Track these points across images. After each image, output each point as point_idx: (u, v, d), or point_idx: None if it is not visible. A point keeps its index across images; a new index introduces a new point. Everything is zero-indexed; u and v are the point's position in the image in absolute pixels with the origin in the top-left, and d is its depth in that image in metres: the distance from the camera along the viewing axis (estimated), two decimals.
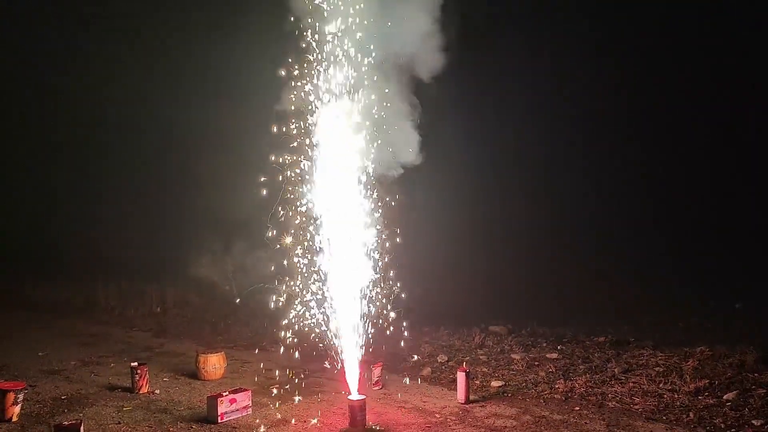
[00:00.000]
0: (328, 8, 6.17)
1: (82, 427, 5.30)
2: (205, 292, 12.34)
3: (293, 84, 6.27)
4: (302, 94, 6.24)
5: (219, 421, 6.07)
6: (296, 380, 7.52)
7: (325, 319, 6.49)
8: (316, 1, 6.18)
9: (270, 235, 6.50)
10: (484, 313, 10.95)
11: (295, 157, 6.30)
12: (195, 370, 7.78)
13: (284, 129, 6.31)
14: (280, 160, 6.36)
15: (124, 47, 18.97)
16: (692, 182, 16.37)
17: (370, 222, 6.32)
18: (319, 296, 6.51)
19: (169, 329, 11.07)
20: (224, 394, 6.24)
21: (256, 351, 9.03)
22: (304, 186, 6.35)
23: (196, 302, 12.36)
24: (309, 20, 6.21)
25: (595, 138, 16.71)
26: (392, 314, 6.74)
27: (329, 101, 6.14)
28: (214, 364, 7.75)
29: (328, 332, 6.50)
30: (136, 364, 7.26)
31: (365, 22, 6.13)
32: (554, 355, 8.42)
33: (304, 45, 6.25)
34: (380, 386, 7.24)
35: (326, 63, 6.20)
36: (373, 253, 6.40)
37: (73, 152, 20.16)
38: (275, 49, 6.57)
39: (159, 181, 18.44)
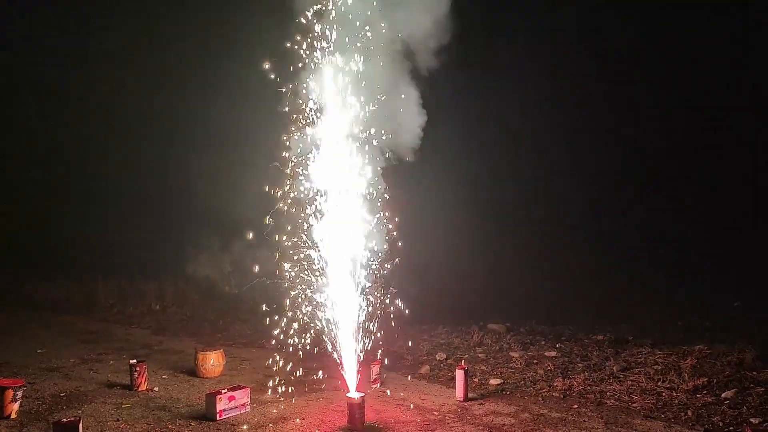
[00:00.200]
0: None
1: (80, 424, 5.31)
2: (204, 289, 12.34)
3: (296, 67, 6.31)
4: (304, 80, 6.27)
5: (218, 418, 6.07)
6: (295, 378, 7.53)
7: (324, 316, 6.49)
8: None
9: (269, 222, 6.50)
10: (482, 311, 10.97)
11: (296, 135, 6.31)
12: (194, 368, 7.78)
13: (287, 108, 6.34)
14: (285, 153, 6.38)
15: (126, 47, 18.96)
16: (691, 181, 16.38)
17: (369, 218, 6.32)
18: (318, 295, 6.51)
19: (168, 327, 11.08)
20: (223, 391, 6.24)
21: (255, 349, 9.03)
22: (304, 176, 6.36)
23: (195, 300, 12.36)
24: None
25: (594, 138, 16.71)
26: (391, 312, 6.75)
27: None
28: (212, 361, 7.76)
29: (326, 330, 6.50)
30: (134, 361, 7.26)
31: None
32: (553, 354, 8.43)
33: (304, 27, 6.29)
34: (379, 384, 7.25)
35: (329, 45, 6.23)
36: (372, 251, 6.41)
37: (74, 151, 20.17)
38: (277, 41, 6.57)
39: (159, 180, 18.46)
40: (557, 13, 16.35)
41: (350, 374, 6.24)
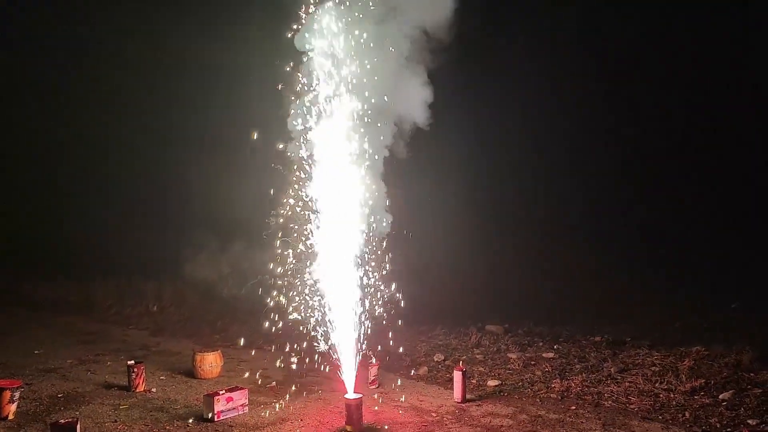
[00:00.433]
0: None
1: (78, 426, 5.30)
2: (202, 291, 12.33)
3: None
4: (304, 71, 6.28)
5: (215, 419, 6.07)
6: (293, 379, 7.53)
7: (322, 318, 6.49)
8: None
9: (270, 222, 6.51)
10: (480, 313, 10.97)
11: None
12: (192, 369, 7.78)
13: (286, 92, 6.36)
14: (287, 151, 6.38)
15: (126, 47, 18.95)
16: (691, 181, 16.37)
17: (366, 217, 6.33)
18: (315, 296, 6.52)
19: (166, 328, 11.07)
20: (221, 392, 6.24)
21: (253, 350, 9.02)
22: (301, 178, 6.36)
23: (193, 301, 12.34)
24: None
25: (593, 138, 16.70)
26: (389, 311, 6.76)
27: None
28: (210, 362, 7.75)
29: (325, 331, 6.51)
30: (132, 362, 7.26)
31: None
32: (551, 355, 8.44)
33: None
34: (377, 385, 7.25)
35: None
36: (370, 253, 6.42)
37: (73, 152, 20.16)
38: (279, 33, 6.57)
39: (158, 180, 18.45)
40: (557, 13, 16.34)
41: (348, 375, 6.23)
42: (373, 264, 6.52)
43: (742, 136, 16.14)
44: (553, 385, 7.11)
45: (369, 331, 6.56)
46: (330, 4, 6.24)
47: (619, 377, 7.29)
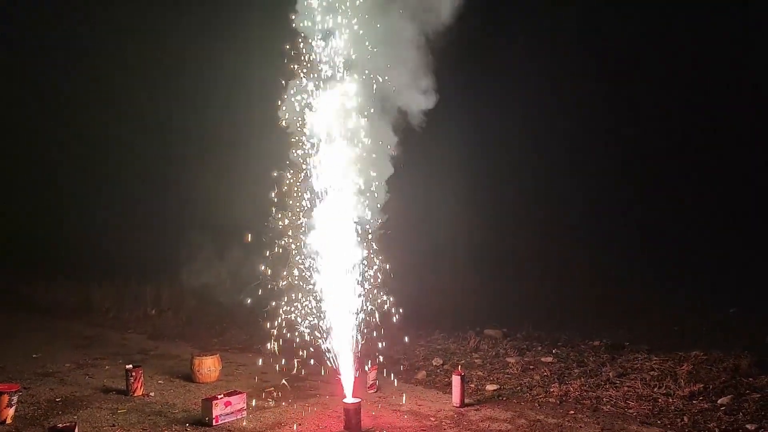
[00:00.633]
0: None
1: (76, 430, 5.29)
2: (200, 294, 12.32)
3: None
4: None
5: (214, 423, 6.07)
6: (291, 383, 7.52)
7: (321, 322, 6.49)
8: None
9: (269, 224, 6.51)
10: (479, 317, 10.95)
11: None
12: (190, 373, 7.77)
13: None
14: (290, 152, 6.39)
15: (126, 49, 18.97)
16: (691, 181, 16.37)
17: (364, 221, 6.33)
18: (313, 301, 6.52)
19: (164, 332, 11.06)
20: (219, 396, 6.24)
21: (251, 354, 9.02)
22: (300, 182, 6.37)
23: (191, 305, 12.33)
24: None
25: (591, 141, 16.71)
26: (387, 318, 6.76)
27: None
28: (209, 366, 7.74)
29: (323, 335, 6.51)
30: (130, 366, 7.25)
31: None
32: (549, 359, 8.43)
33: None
34: (375, 389, 7.24)
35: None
36: (368, 256, 6.42)
37: (72, 154, 20.16)
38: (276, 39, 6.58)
39: (158, 182, 18.46)
40: (557, 13, 16.34)
41: (347, 380, 6.23)
42: (371, 267, 6.52)
43: (742, 136, 16.13)
44: (551, 390, 7.11)
45: (367, 336, 6.56)
46: None
47: (617, 382, 7.29)
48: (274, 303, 6.79)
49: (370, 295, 6.56)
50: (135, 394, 7.09)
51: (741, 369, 7.29)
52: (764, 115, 15.60)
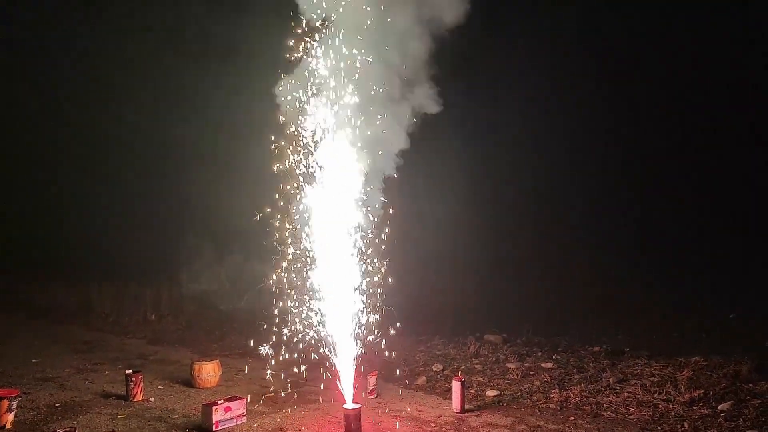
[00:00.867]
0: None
1: None
2: (199, 299, 12.32)
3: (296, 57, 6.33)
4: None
5: (214, 429, 6.05)
6: (291, 389, 7.51)
7: (321, 328, 6.49)
8: None
9: (272, 224, 6.51)
10: (479, 322, 10.96)
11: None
12: (190, 378, 7.76)
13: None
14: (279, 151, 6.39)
15: (127, 50, 18.97)
16: (689, 183, 16.38)
17: (364, 227, 6.33)
18: (313, 306, 6.52)
19: (164, 337, 11.05)
20: (219, 402, 6.23)
21: (251, 359, 9.01)
22: (299, 188, 6.36)
23: (190, 310, 12.33)
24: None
25: (591, 146, 16.73)
26: (387, 323, 6.76)
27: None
28: (209, 372, 7.73)
29: (323, 341, 6.50)
30: (130, 371, 7.24)
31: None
32: (549, 365, 8.43)
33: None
34: (375, 395, 7.23)
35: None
36: (367, 261, 6.42)
37: (72, 157, 20.17)
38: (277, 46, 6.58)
39: (158, 184, 18.46)
40: (557, 13, 16.36)
41: (347, 385, 6.23)
42: (370, 271, 6.52)
43: (743, 137, 16.13)
44: (551, 396, 7.10)
45: (367, 341, 6.56)
46: None
47: (617, 387, 7.28)
48: (276, 310, 6.78)
49: (370, 300, 6.55)
50: (135, 400, 7.08)
51: (741, 375, 7.29)
52: (764, 115, 15.61)
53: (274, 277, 6.65)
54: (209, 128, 17.14)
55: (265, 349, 7.03)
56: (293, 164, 6.38)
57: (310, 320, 6.56)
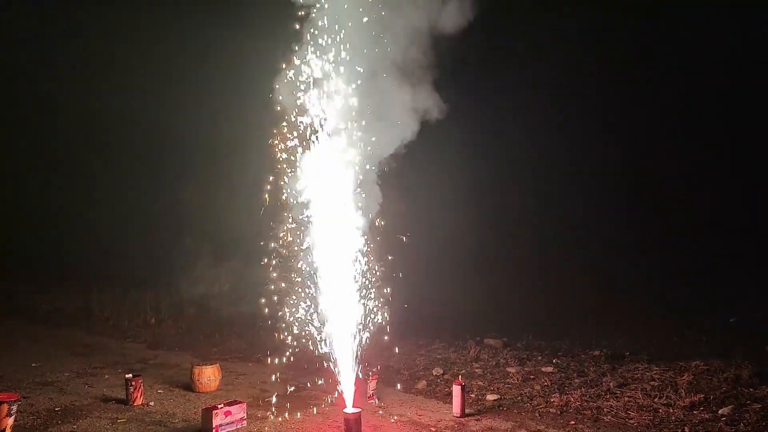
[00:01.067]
0: None
1: None
2: (199, 304, 12.31)
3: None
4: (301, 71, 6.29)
5: None
6: (291, 393, 7.51)
7: (321, 331, 6.49)
8: None
9: (272, 226, 6.51)
10: (479, 326, 10.94)
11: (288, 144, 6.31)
12: (190, 382, 7.75)
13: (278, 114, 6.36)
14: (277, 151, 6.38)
15: (128, 50, 19.01)
16: (689, 194, 16.37)
17: (362, 230, 6.33)
18: (314, 309, 6.52)
19: (164, 341, 11.02)
20: (219, 406, 6.22)
21: (251, 363, 9.01)
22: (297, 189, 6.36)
23: (190, 314, 12.31)
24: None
25: (591, 150, 16.73)
26: (387, 327, 6.76)
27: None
28: (209, 376, 7.72)
29: (323, 345, 6.50)
30: (130, 375, 7.23)
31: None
32: (549, 369, 8.41)
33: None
34: (375, 399, 7.23)
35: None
36: (367, 264, 6.42)
37: (71, 161, 20.19)
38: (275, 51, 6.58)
39: (155, 190, 18.48)
40: (557, 13, 16.34)
41: (347, 389, 6.22)
42: (371, 274, 6.52)
43: (745, 140, 16.10)
44: (552, 400, 7.10)
45: (368, 345, 6.56)
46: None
47: (618, 392, 7.27)
48: (276, 313, 6.78)
49: (371, 303, 6.56)
50: (135, 404, 7.07)
51: (742, 379, 7.29)
52: (764, 115, 15.59)
53: (274, 274, 6.66)
54: (208, 130, 17.17)
55: (266, 354, 7.02)
56: (291, 156, 6.36)
57: (310, 324, 6.56)
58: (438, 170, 13.93)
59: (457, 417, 6.61)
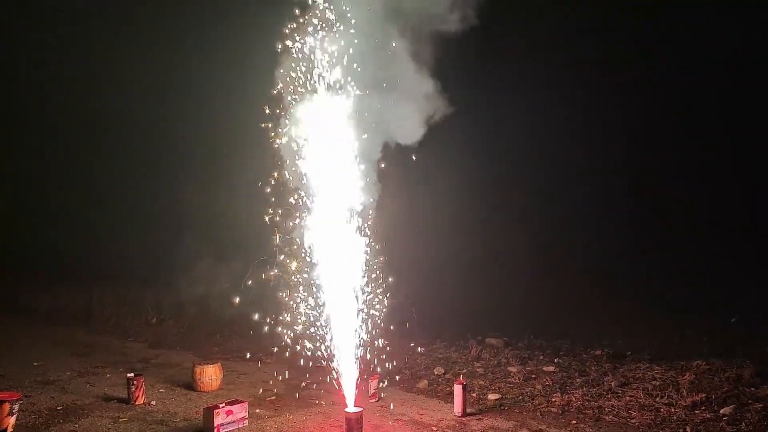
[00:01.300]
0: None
1: None
2: (200, 303, 12.30)
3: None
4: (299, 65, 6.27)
5: None
6: (293, 392, 7.51)
7: (322, 331, 6.49)
8: None
9: (273, 223, 6.50)
10: (480, 326, 10.94)
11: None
12: (191, 382, 7.75)
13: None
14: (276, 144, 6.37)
15: (127, 51, 18.99)
16: (689, 194, 16.37)
17: (364, 230, 6.33)
18: (315, 308, 6.52)
19: (165, 340, 11.02)
20: (220, 405, 6.22)
21: (252, 363, 9.00)
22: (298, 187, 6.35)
23: (192, 313, 12.31)
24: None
25: (592, 150, 16.70)
26: (389, 326, 6.76)
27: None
28: (210, 375, 7.72)
29: (324, 344, 6.50)
30: (132, 374, 7.23)
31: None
32: (551, 368, 8.41)
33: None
34: (377, 399, 7.23)
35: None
36: (369, 265, 6.42)
37: (71, 161, 20.17)
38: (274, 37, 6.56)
39: (155, 190, 18.47)
40: (558, 13, 16.32)
41: (348, 389, 6.22)
42: (372, 275, 6.52)
43: (745, 139, 16.08)
44: (553, 399, 7.10)
45: (369, 345, 6.56)
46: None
47: (619, 391, 7.27)
48: (278, 312, 6.78)
49: (372, 303, 6.56)
50: (136, 403, 7.07)
51: (743, 378, 7.29)
52: (764, 114, 15.58)
53: (275, 271, 6.65)
54: (208, 130, 17.16)
55: (268, 353, 7.02)
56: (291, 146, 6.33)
57: (311, 323, 6.57)
58: (439, 169, 13.90)
59: (458, 416, 6.61)
